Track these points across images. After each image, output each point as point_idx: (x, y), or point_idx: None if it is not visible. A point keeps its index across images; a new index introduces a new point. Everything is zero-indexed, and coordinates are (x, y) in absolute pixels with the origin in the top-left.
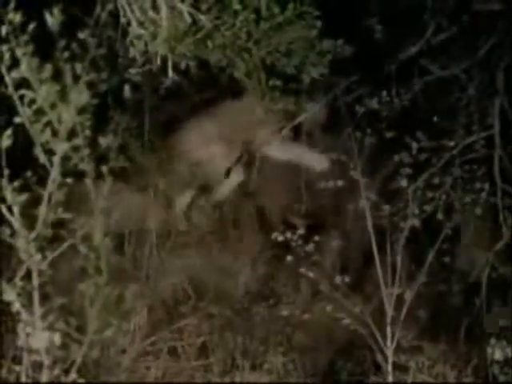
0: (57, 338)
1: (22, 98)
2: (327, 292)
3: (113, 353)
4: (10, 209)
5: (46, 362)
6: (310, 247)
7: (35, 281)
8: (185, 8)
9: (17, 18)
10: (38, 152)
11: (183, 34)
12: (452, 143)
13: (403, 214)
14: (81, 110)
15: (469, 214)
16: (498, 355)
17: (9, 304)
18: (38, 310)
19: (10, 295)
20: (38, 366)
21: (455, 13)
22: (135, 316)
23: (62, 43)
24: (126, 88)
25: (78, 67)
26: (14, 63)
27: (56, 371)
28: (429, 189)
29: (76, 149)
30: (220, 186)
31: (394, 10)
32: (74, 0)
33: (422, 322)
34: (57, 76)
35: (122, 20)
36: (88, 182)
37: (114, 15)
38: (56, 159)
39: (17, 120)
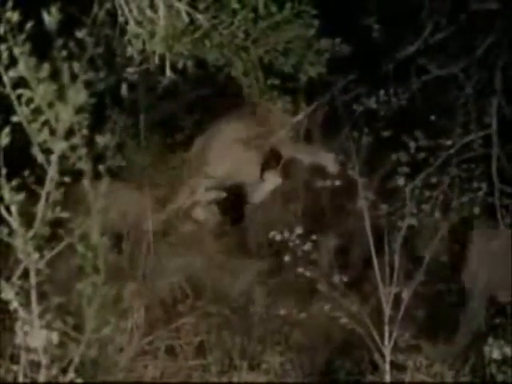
0: (54, 337)
1: (19, 97)
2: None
3: (111, 352)
4: (7, 208)
5: (44, 360)
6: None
7: (33, 279)
8: (182, 7)
9: (14, 16)
10: (36, 151)
11: (181, 33)
12: (450, 142)
13: (401, 213)
14: (78, 109)
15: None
16: (496, 354)
17: (6, 303)
18: (35, 308)
19: (8, 294)
20: (35, 365)
21: (453, 12)
22: (133, 315)
23: (60, 42)
24: (124, 87)
25: (76, 66)
26: (12, 62)
27: (54, 370)
28: (426, 188)
29: (74, 148)
30: (255, 190)
31: (392, 9)
32: None
33: (420, 321)
34: (54, 75)
35: (120, 19)
36: (85, 181)
37: (112, 14)
38: (54, 158)
39: (14, 119)
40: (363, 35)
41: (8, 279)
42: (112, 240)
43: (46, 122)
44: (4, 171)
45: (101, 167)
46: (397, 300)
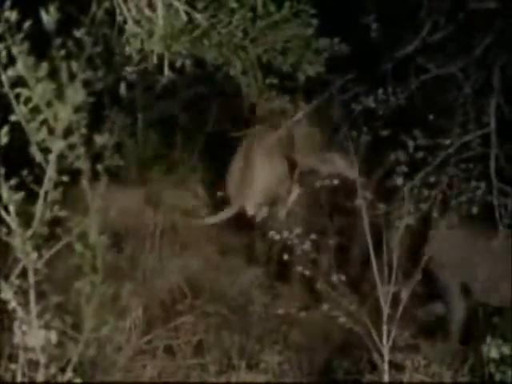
0: (53, 337)
1: (17, 96)
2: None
3: (109, 351)
4: (6, 207)
5: (42, 360)
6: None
7: (31, 279)
8: (181, 6)
9: (13, 16)
10: (34, 150)
11: (179, 32)
12: (448, 141)
13: (399, 212)
14: (77, 109)
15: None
16: (494, 353)
17: (5, 302)
18: (34, 308)
19: (7, 293)
20: (33, 365)
21: (451, 11)
22: (131, 314)
23: (58, 41)
24: (122, 86)
25: (74, 65)
26: (10, 61)
27: (52, 370)
28: (425, 187)
29: (72, 147)
30: (283, 202)
31: (391, 8)
32: None
33: (419, 320)
34: (53, 74)
35: (118, 18)
36: (84, 180)
37: (110, 13)
38: (52, 157)
39: (13, 118)
40: (362, 34)
41: (6, 278)
42: (110, 239)
43: (44, 121)
44: (2, 170)
45: (99, 166)
46: (395, 299)
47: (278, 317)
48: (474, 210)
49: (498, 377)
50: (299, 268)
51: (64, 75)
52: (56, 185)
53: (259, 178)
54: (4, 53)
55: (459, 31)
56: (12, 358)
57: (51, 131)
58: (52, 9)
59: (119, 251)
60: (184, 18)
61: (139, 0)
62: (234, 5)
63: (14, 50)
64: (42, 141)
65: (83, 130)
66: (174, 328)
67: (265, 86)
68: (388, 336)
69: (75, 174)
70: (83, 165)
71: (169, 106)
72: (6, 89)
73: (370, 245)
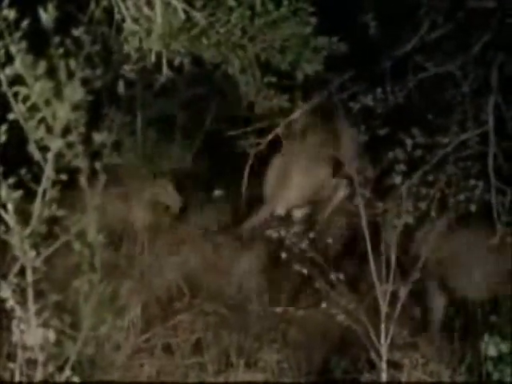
0: (51, 335)
1: (16, 94)
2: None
3: (107, 350)
4: (4, 206)
5: (40, 358)
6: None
7: (29, 277)
8: (179, 5)
9: (11, 14)
10: (33, 149)
11: (178, 30)
12: (446, 140)
13: (397, 210)
14: (75, 107)
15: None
16: (492, 351)
17: (3, 301)
18: (32, 306)
19: (5, 292)
20: (32, 363)
21: (450, 10)
22: (129, 313)
23: (57, 40)
24: (121, 84)
25: (73, 64)
26: (8, 60)
27: (50, 368)
28: (423, 186)
29: (70, 145)
30: (329, 202)
31: (389, 6)
32: None
33: (417, 318)
34: (51, 73)
35: (117, 16)
36: (82, 178)
37: (109, 12)
38: (50, 156)
39: (11, 117)
40: (360, 33)
41: (4, 277)
42: (109, 238)
43: (42, 120)
44: (1, 169)
45: (97, 165)
46: (393, 298)
47: (276, 315)
48: (473, 208)
49: (496, 375)
50: None
51: (62, 73)
52: (54, 183)
53: (298, 180)
54: (2, 51)
55: (457, 30)
56: (10, 356)
57: (49, 129)
58: (50, 7)
59: (118, 249)
60: (182, 16)
61: None
62: (233, 3)
63: (13, 49)
64: (41, 139)
65: (81, 129)
66: (172, 326)
67: (263, 85)
68: (386, 334)
69: (73, 173)
70: (81, 163)
71: (167, 105)
72: (4, 87)
73: (368, 243)
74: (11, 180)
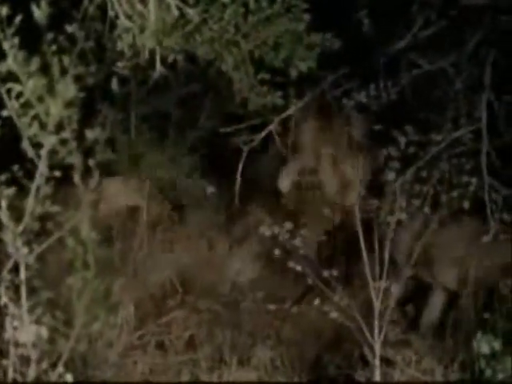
0: (44, 332)
1: (9, 91)
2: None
3: (100, 347)
4: None
5: (33, 355)
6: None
7: (22, 274)
8: (172, 1)
9: (3, 10)
10: (26, 145)
11: (171, 27)
12: (440, 137)
13: (391, 207)
14: (68, 104)
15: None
16: (485, 349)
17: None
18: (25, 303)
19: None
20: (25, 360)
21: (443, 7)
22: (122, 310)
23: (50, 36)
24: (114, 81)
25: (66, 60)
26: (1, 56)
27: (43, 365)
28: (416, 182)
29: (64, 142)
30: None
31: (383, 3)
32: None
33: (410, 315)
34: (44, 69)
35: (110, 13)
36: (76, 175)
37: (102, 8)
38: (44, 152)
39: (4, 113)
40: (354, 30)
41: None
42: (102, 235)
43: (35, 116)
44: None
45: (91, 161)
46: (386, 295)
47: (270, 312)
48: (466, 205)
49: (488, 372)
50: None
51: (55, 70)
52: (47, 180)
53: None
54: None
55: (451, 27)
56: (3, 353)
57: (43, 126)
58: (43, 3)
59: (111, 246)
60: (176, 12)
61: None
62: (226, 0)
63: (5, 45)
64: (34, 136)
65: (75, 125)
66: (165, 324)
67: (257, 82)
68: (379, 331)
69: (67, 169)
70: (75, 160)
71: (161, 101)
72: None
73: (362, 240)
74: (4, 176)
